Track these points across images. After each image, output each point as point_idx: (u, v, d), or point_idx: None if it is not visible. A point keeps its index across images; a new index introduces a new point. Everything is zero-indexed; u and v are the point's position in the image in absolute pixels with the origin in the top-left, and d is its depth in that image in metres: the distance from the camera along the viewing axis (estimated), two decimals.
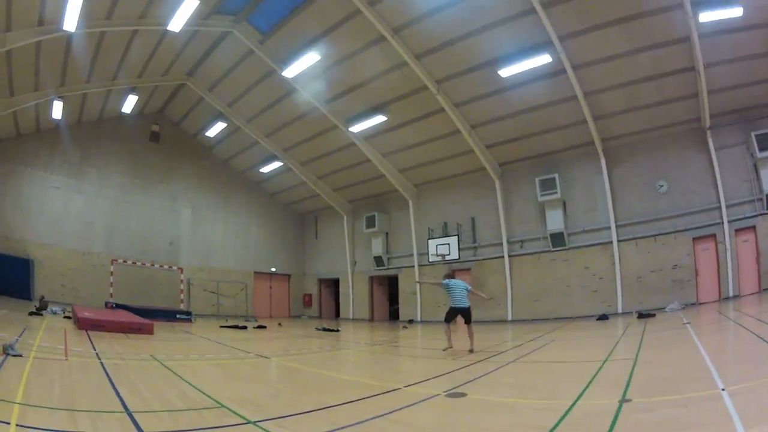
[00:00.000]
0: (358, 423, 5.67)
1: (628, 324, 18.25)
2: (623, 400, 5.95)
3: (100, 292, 29.43)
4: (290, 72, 24.16)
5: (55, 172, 30.22)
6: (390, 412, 6.17)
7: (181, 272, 32.96)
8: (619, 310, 23.45)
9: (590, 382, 7.48)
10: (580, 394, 6.59)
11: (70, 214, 30.43)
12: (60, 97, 25.75)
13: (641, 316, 20.23)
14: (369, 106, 26.31)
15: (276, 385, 8.53)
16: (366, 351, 15.29)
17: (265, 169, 35.98)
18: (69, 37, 20.90)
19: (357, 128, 27.47)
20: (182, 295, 32.69)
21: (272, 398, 7.24)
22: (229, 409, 6.23)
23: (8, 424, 4.87)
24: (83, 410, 5.82)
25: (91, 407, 5.99)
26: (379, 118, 26.41)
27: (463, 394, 7.11)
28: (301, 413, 6.20)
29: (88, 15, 19.60)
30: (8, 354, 8.85)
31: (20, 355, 9.01)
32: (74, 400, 6.26)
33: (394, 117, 26.41)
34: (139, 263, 31.21)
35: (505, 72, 21.51)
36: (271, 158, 34.27)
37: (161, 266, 32.50)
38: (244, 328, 23.82)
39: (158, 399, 6.74)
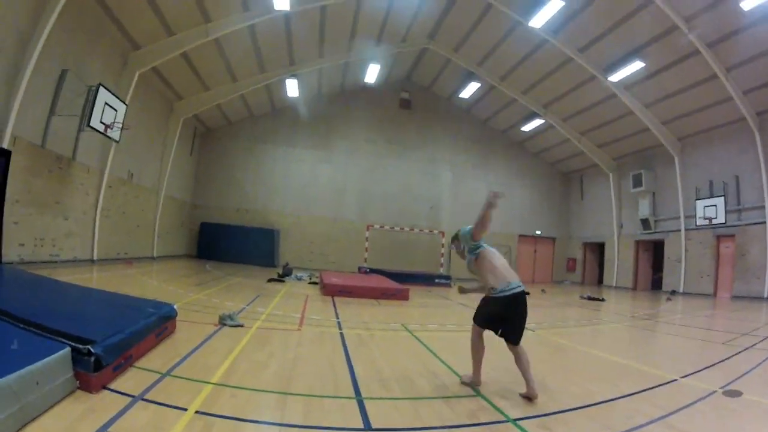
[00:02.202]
0: (633, 429, 4.60)
1: None
2: None
3: (354, 257, 30.44)
4: (536, 21, 22.09)
5: (298, 145, 31.92)
6: (667, 415, 5.07)
7: (443, 236, 32.49)
8: None
9: None
10: None
11: (318, 184, 31.88)
12: (293, 75, 26.25)
13: None
14: (624, 51, 23.47)
15: (540, 368, 6.76)
16: (633, 326, 13.45)
17: (527, 128, 33.96)
18: (285, 16, 20.96)
19: (615, 77, 24.80)
20: (442, 258, 32.28)
21: (537, 385, 5.70)
22: (486, 399, 5.30)
23: (185, 410, 4.21)
24: (299, 394, 5.00)
25: (311, 390, 5.18)
26: (637, 64, 23.56)
27: (739, 393, 6.00)
28: (567, 410, 5.13)
29: None
30: (224, 324, 8.24)
31: (240, 326, 8.34)
32: (291, 381, 5.47)
33: (651, 62, 23.34)
34: (397, 228, 31.48)
35: (748, 4, 17.89)
36: (532, 116, 32.17)
37: (421, 230, 32.54)
38: None
39: (401, 382, 5.82)
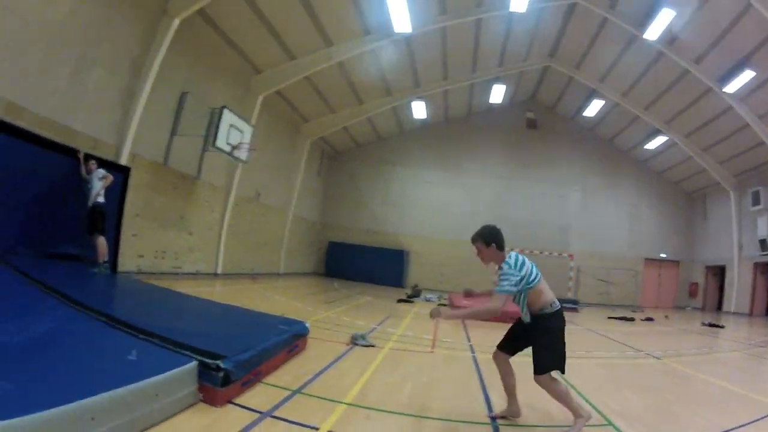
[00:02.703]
0: None
1: None
2: None
3: (484, 280, 29.14)
4: (651, 33, 21.32)
5: (427, 167, 31.97)
6: None
7: (571, 259, 31.55)
8: None
9: None
10: None
11: (448, 206, 31.69)
12: (419, 98, 26.38)
13: None
14: (734, 60, 22.14)
15: (666, 397, 6.89)
16: (751, 354, 12.88)
17: (650, 146, 32.23)
18: (407, 38, 20.97)
19: (730, 88, 23.37)
20: (570, 282, 31.24)
21: (664, 416, 5.87)
22: (617, 429, 5.09)
23: (316, 429, 4.14)
24: (435, 417, 4.91)
25: (447, 414, 5.06)
26: (748, 74, 22.13)
27: None
28: None
29: (419, 15, 19.19)
30: (356, 344, 8.10)
31: (372, 346, 8.18)
32: (426, 404, 5.37)
33: (761, 70, 21.86)
34: (527, 251, 30.20)
35: None
36: (654, 133, 30.65)
37: (550, 253, 31.41)
38: (632, 320, 21.68)
39: (535, 408, 5.63)
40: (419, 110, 27.28)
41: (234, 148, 16.84)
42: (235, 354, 4.69)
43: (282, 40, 18.67)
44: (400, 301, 19.01)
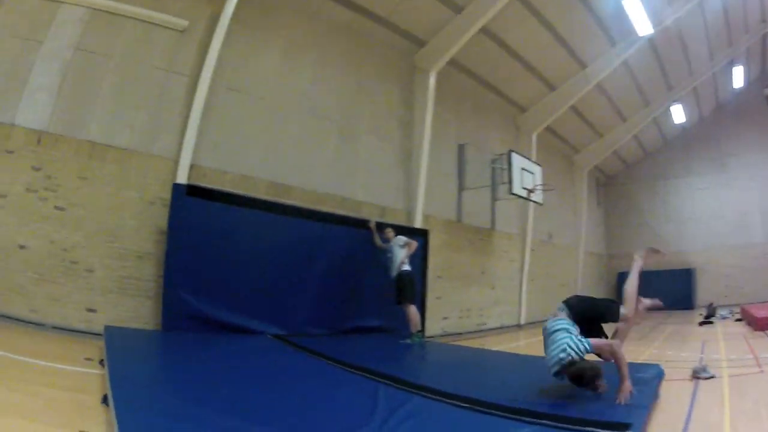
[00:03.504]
0: None
1: None
2: None
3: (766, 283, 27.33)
4: None
5: (696, 173, 30.67)
6: None
7: None
8: None
9: None
10: None
11: (722, 211, 29.90)
12: (675, 101, 25.89)
13: None
14: None
15: None
16: None
17: None
18: (650, 41, 20.49)
19: None
20: None
21: None
22: None
23: None
24: None
25: None
26: None
27: None
28: None
29: (653, 12, 18.55)
30: (698, 378, 8.08)
31: (713, 377, 8.13)
32: None
33: None
34: None
35: None
36: None
37: None
38: None
39: None
40: (678, 114, 26.90)
41: (530, 191, 17.43)
42: (634, 418, 4.46)
43: (538, 72, 19.12)
44: (701, 323, 18.56)
